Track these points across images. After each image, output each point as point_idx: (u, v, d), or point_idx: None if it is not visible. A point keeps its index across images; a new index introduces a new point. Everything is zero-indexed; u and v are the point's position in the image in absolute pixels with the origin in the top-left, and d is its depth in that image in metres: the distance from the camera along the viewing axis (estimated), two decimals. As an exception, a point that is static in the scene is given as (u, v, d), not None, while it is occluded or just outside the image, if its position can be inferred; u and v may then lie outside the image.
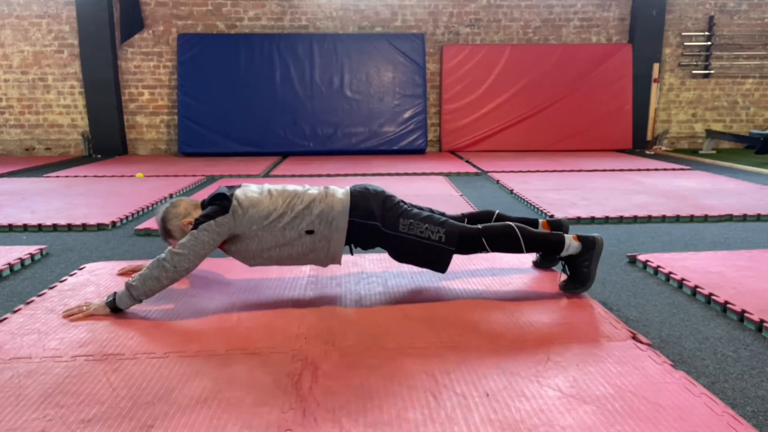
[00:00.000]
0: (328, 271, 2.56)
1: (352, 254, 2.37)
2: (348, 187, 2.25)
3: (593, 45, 7.68)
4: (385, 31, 7.60)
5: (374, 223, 2.15)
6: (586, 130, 7.68)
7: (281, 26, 7.54)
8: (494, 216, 2.43)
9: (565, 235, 2.23)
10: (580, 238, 2.20)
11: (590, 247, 2.18)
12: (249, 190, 2.19)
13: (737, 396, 1.55)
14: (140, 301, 2.05)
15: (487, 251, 2.22)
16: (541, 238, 2.22)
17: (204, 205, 2.21)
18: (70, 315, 2.05)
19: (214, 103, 7.27)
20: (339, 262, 2.23)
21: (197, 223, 2.07)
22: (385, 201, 2.21)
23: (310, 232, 2.13)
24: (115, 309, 2.06)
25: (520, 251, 2.23)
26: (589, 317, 2.01)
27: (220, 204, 2.10)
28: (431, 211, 2.33)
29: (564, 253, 2.20)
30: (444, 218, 2.22)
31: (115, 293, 2.06)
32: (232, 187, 2.24)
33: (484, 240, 2.19)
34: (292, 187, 2.26)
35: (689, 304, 2.21)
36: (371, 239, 2.20)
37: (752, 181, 4.99)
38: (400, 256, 2.24)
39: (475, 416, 1.42)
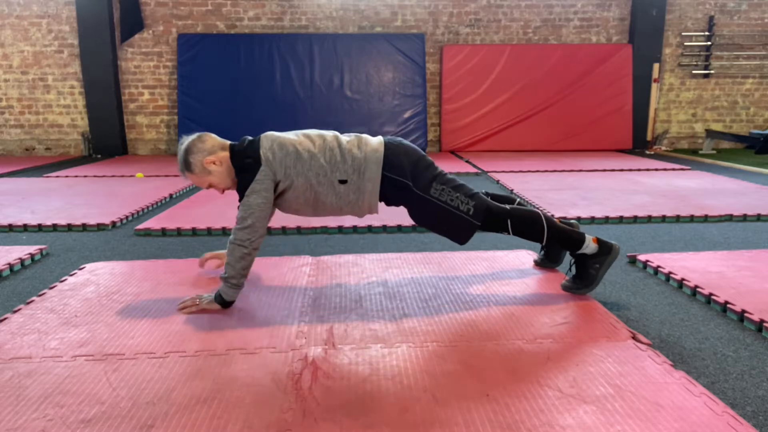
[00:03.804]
0: (327, 270, 2.56)
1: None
2: (381, 138, 2.19)
3: (593, 45, 7.68)
4: (385, 31, 7.60)
5: (406, 182, 2.10)
6: (586, 130, 7.68)
7: (281, 26, 7.54)
8: (515, 203, 2.36)
9: (586, 234, 2.21)
10: (598, 241, 2.18)
11: (606, 252, 2.17)
12: (272, 134, 2.14)
13: (737, 396, 1.55)
14: (242, 285, 2.08)
15: (509, 234, 2.19)
16: (563, 232, 2.19)
17: (232, 149, 2.12)
18: (184, 307, 2.08)
19: (214, 103, 7.27)
20: (377, 212, 2.20)
21: (241, 188, 2.04)
22: (419, 161, 2.16)
23: (342, 182, 2.09)
24: (223, 303, 2.07)
25: (539, 241, 2.21)
26: (589, 317, 2.01)
27: (252, 159, 2.05)
28: None
29: (579, 252, 2.19)
30: (475, 191, 2.18)
31: (218, 290, 2.08)
32: (253, 140, 2.15)
33: (509, 222, 2.16)
34: (316, 131, 2.19)
35: (689, 304, 2.21)
36: (399, 196, 2.15)
37: (752, 181, 4.98)
38: (421, 218, 2.19)
39: (474, 416, 1.42)
